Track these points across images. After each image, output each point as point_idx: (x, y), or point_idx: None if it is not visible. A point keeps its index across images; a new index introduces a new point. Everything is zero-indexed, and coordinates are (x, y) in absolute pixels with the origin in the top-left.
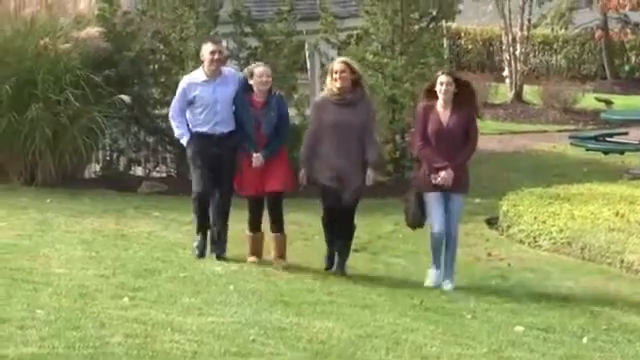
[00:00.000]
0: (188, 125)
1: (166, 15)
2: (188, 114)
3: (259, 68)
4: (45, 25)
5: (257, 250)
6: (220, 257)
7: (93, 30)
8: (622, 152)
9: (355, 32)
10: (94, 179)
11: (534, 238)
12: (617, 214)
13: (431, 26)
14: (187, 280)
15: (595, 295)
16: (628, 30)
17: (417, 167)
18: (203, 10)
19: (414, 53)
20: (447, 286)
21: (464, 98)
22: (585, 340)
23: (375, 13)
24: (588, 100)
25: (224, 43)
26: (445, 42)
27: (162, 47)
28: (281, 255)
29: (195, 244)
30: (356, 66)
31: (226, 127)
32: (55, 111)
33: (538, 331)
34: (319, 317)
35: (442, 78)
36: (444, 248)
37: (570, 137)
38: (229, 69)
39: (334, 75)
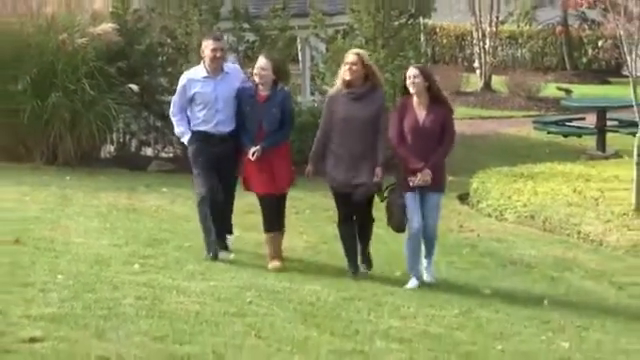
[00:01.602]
0: (189, 123)
1: (172, 12)
2: (189, 113)
3: (258, 61)
4: (64, 22)
5: (278, 251)
6: (216, 257)
7: (107, 26)
8: (580, 135)
9: (342, 28)
10: (109, 159)
11: (501, 212)
12: (575, 190)
13: (409, 22)
14: (191, 249)
15: (555, 262)
16: (586, 26)
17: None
18: (205, 8)
19: (394, 46)
20: (428, 278)
21: (437, 94)
22: (546, 302)
23: (359, 11)
24: (550, 89)
25: (224, 37)
26: (422, 37)
27: (169, 41)
28: (276, 251)
29: (206, 249)
30: (368, 59)
31: (227, 127)
32: (73, 99)
33: (504, 294)
34: (308, 282)
35: (409, 71)
36: (423, 246)
37: (533, 122)
38: (233, 66)
39: (345, 66)
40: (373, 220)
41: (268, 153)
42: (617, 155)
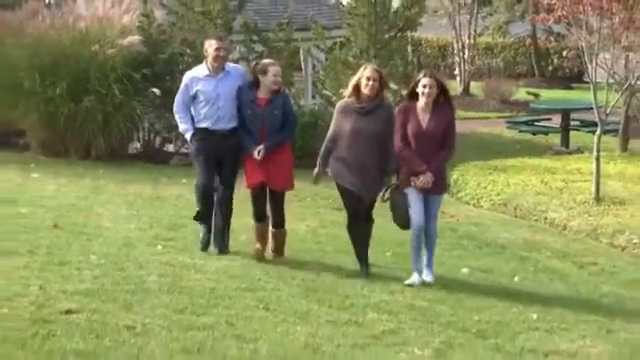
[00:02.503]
0: (193, 120)
1: (191, 27)
2: (192, 110)
3: (274, 67)
4: (96, 34)
5: (263, 237)
6: (222, 252)
7: (134, 38)
8: (546, 133)
9: (339, 40)
10: (135, 154)
11: (477, 200)
12: (542, 181)
13: (398, 35)
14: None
15: (524, 244)
16: (552, 38)
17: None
18: (220, 22)
19: (385, 56)
20: (428, 277)
21: (444, 100)
22: (516, 279)
23: (354, 25)
24: (520, 93)
25: (237, 48)
26: (409, 48)
27: (188, 51)
28: (277, 248)
29: (200, 235)
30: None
31: (228, 123)
32: (104, 102)
33: (480, 272)
34: (310, 262)
35: (425, 80)
36: (424, 245)
37: (506, 122)
38: (234, 65)
39: (366, 81)
40: (373, 221)
41: (270, 152)
42: (579, 151)
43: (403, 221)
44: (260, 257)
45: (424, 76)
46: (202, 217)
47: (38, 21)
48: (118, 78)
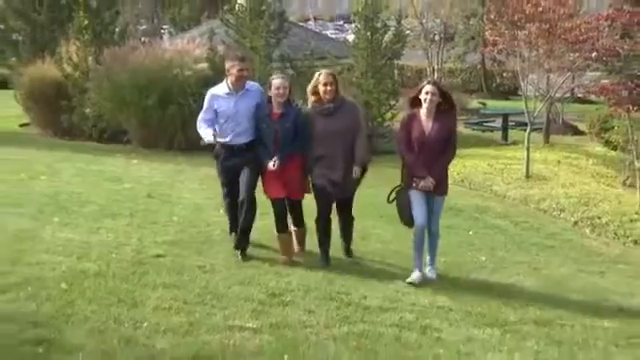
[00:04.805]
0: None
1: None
2: (217, 126)
3: (276, 80)
4: (177, 62)
5: (287, 249)
6: (244, 255)
7: (203, 65)
8: (492, 131)
9: (346, 66)
10: (205, 147)
11: None
12: (488, 164)
13: (387, 62)
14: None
15: (476, 208)
16: (495, 64)
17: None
18: (263, 54)
19: (378, 77)
20: (430, 274)
21: (446, 107)
22: (471, 233)
23: (357, 55)
24: (473, 103)
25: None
26: (395, 71)
27: None
28: (300, 243)
29: (234, 243)
30: (337, 75)
31: (246, 138)
32: (183, 110)
33: (445, 227)
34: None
35: (428, 88)
36: (426, 243)
37: (464, 123)
38: (254, 84)
39: (323, 87)
40: (353, 219)
41: (285, 163)
42: (514, 143)
43: (407, 220)
44: (290, 263)
45: (427, 84)
46: (233, 228)
47: (137, 53)
48: (193, 93)
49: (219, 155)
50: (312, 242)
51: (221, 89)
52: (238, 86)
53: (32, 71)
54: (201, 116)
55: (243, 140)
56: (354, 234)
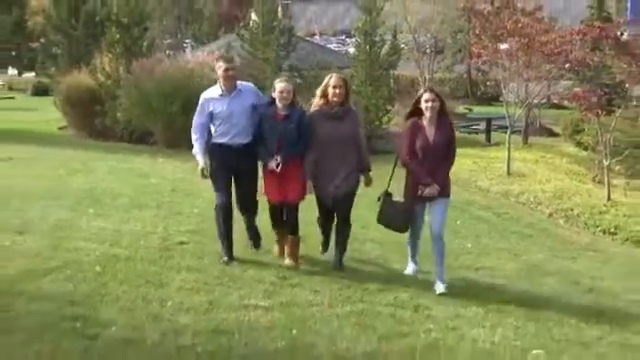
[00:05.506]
0: (209, 139)
1: (257, 66)
2: (212, 127)
3: (280, 84)
4: (198, 72)
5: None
6: (256, 246)
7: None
8: (477, 133)
9: (348, 75)
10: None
11: None
12: (474, 162)
13: (384, 72)
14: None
15: (463, 201)
16: (480, 74)
17: (406, 177)
18: (274, 65)
19: (376, 85)
20: (439, 289)
21: (445, 113)
22: (458, 222)
23: (357, 66)
24: (460, 108)
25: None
26: (391, 80)
27: (254, 83)
28: (292, 254)
29: (223, 252)
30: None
31: (244, 138)
32: None
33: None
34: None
35: (427, 96)
36: (434, 258)
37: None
38: (246, 84)
39: (332, 90)
40: (350, 225)
41: (286, 166)
42: (497, 144)
43: (386, 223)
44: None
45: (425, 91)
46: (222, 235)
47: (162, 65)
48: None
49: (215, 155)
50: (315, 239)
51: (214, 92)
52: (229, 87)
53: (69, 80)
54: (195, 120)
55: (242, 141)
56: (351, 236)
